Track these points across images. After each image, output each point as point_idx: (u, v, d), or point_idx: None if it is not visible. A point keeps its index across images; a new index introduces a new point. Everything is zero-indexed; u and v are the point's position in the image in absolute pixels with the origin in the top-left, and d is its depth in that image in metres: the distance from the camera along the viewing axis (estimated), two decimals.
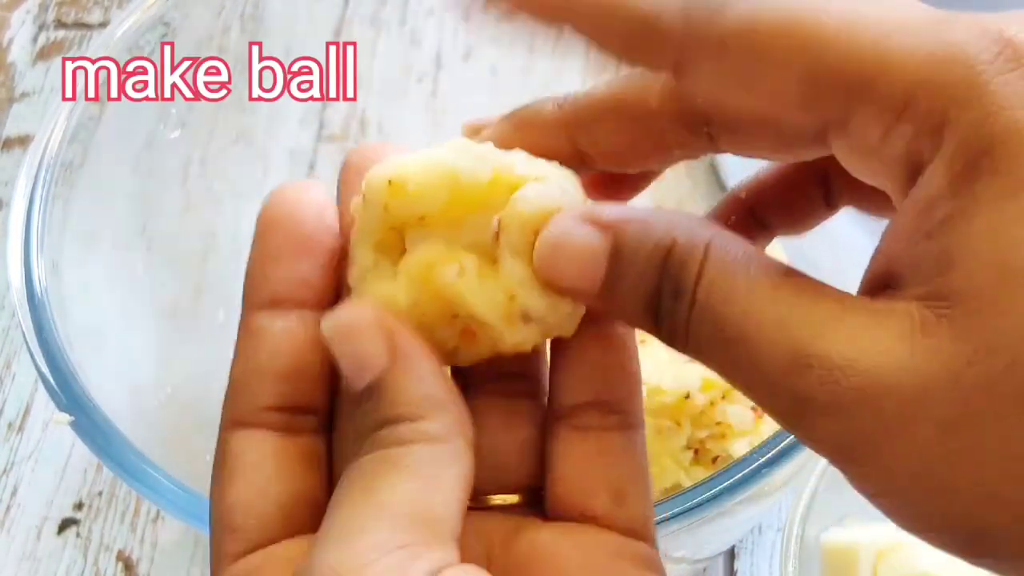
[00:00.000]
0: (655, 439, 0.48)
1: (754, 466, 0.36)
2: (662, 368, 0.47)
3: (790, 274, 0.22)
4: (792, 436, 0.37)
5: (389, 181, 0.24)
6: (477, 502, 0.25)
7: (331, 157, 0.59)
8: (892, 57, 0.20)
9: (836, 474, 0.45)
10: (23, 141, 0.64)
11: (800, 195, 0.27)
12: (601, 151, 0.25)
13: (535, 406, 0.26)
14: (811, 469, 0.45)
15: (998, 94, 0.19)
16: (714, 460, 0.49)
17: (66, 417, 0.38)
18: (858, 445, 0.20)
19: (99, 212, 0.47)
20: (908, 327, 0.19)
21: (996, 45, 0.19)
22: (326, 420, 0.26)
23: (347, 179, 0.27)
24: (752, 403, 0.49)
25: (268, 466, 0.24)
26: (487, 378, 0.26)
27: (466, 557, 0.23)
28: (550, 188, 0.24)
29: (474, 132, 0.27)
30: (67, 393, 0.39)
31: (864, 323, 0.20)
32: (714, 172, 0.56)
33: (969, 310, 0.19)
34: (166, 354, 0.49)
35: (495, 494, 0.26)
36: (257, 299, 0.25)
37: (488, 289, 0.24)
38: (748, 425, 0.48)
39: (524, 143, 0.25)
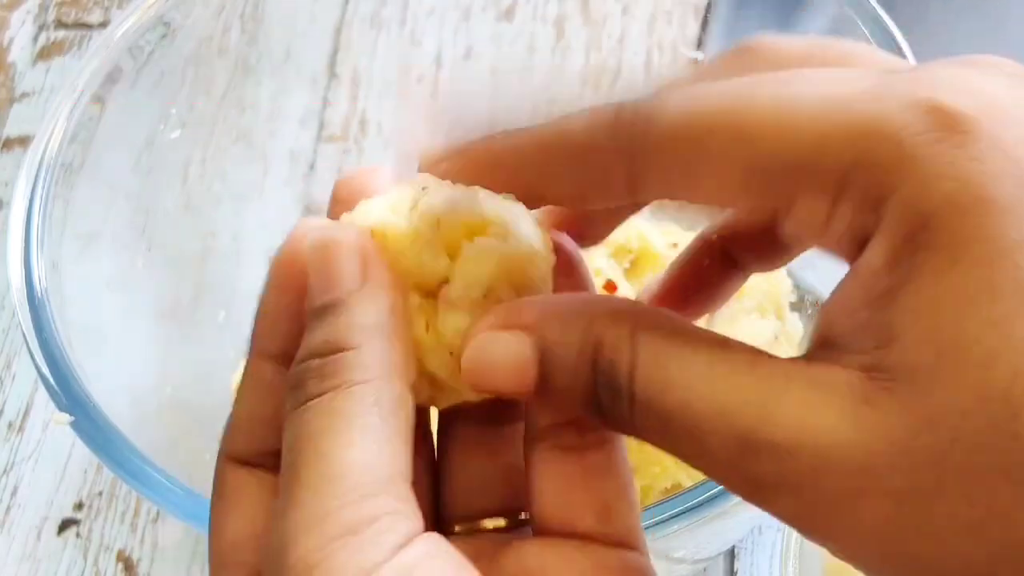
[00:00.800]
0: None
1: None
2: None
3: (724, 347, 0.21)
4: None
5: (371, 232, 0.24)
6: (465, 528, 0.26)
7: (331, 157, 0.59)
8: (825, 140, 0.20)
9: None
10: (23, 141, 0.64)
11: (772, 235, 0.27)
12: (553, 192, 0.24)
13: (515, 430, 0.26)
14: None
15: (931, 167, 0.19)
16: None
17: (66, 417, 0.38)
18: (814, 519, 0.20)
19: (99, 212, 0.47)
20: (851, 400, 0.20)
21: (927, 115, 0.19)
22: None
23: (336, 214, 0.26)
24: None
25: (265, 503, 0.24)
26: (466, 406, 0.26)
27: None
28: (493, 242, 0.24)
29: (431, 164, 0.26)
30: (67, 393, 0.39)
31: (806, 399, 0.20)
32: None
33: (911, 385, 0.19)
34: (166, 354, 0.49)
35: (480, 519, 0.26)
36: (265, 349, 0.26)
37: (437, 347, 0.24)
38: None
39: (479, 180, 0.25)
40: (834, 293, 0.21)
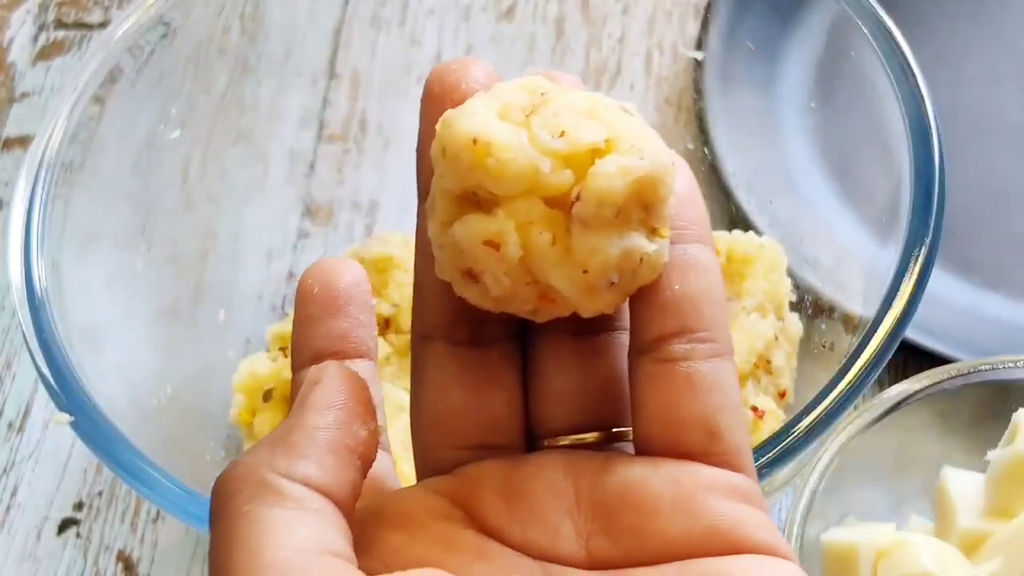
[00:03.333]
0: None
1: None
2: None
3: None
4: (792, 436, 0.37)
5: (474, 140, 0.23)
6: (554, 442, 0.25)
7: (331, 157, 0.59)
8: None
9: (837, 474, 0.45)
10: (23, 141, 0.64)
11: None
12: None
13: (610, 341, 0.25)
14: (811, 469, 0.45)
15: None
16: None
17: (66, 417, 0.38)
18: None
19: (99, 212, 0.47)
20: None
21: None
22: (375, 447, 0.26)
23: (429, 110, 0.26)
24: (752, 403, 0.49)
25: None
26: (555, 320, 0.25)
27: (552, 494, 0.23)
28: (628, 160, 0.23)
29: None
30: (67, 393, 0.39)
31: None
32: (714, 172, 0.56)
33: None
34: (166, 354, 0.49)
35: (573, 433, 0.25)
36: (300, 361, 0.26)
37: (565, 262, 0.23)
38: (748, 425, 0.48)
39: None
40: None
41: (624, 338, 0.25)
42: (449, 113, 0.24)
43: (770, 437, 0.37)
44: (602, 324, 0.26)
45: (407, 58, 0.58)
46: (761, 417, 0.48)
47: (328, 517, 0.22)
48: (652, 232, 0.24)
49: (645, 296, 0.24)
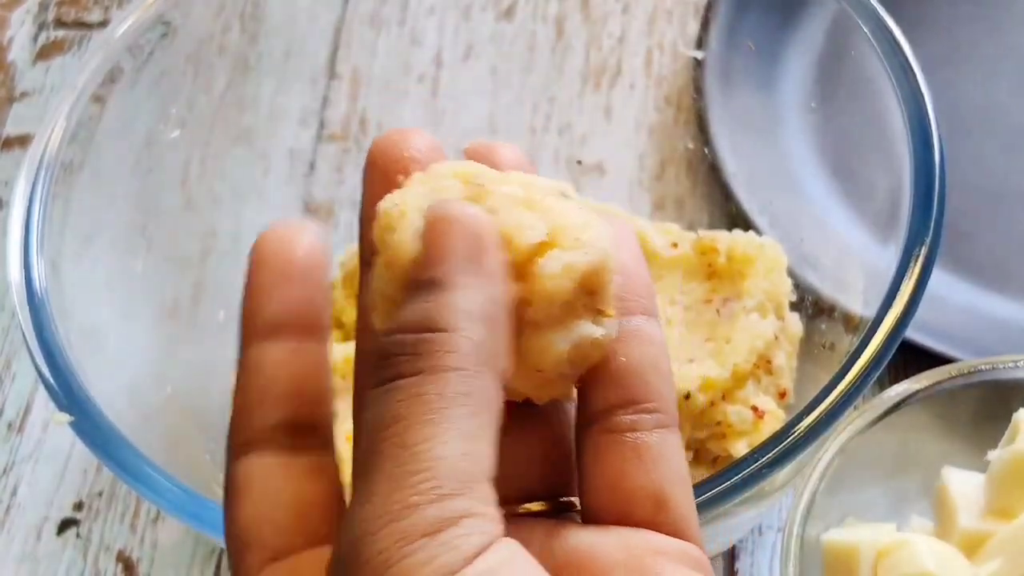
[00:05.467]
0: None
1: (754, 467, 0.36)
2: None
3: None
4: (792, 437, 0.37)
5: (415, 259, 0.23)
6: (505, 511, 0.25)
7: (331, 157, 0.59)
8: None
9: (837, 474, 0.45)
10: (23, 141, 0.64)
11: None
12: None
13: (556, 409, 0.26)
14: (812, 469, 0.45)
15: None
16: (714, 461, 0.49)
17: (66, 417, 0.38)
18: None
19: (99, 212, 0.47)
20: None
21: None
22: (330, 437, 0.25)
23: (372, 179, 0.26)
24: (752, 403, 0.49)
25: (276, 480, 0.24)
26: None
27: None
28: (572, 256, 0.23)
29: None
30: (67, 393, 0.39)
31: None
32: (714, 172, 0.56)
33: None
34: (166, 354, 0.49)
35: (519, 503, 0.25)
36: (253, 331, 0.25)
37: (518, 364, 0.23)
38: (748, 425, 0.48)
39: None
40: None
41: (569, 407, 0.25)
42: (387, 212, 0.24)
43: (770, 437, 0.37)
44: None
45: (407, 58, 0.58)
46: (761, 417, 0.48)
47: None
48: (598, 314, 0.24)
49: (591, 369, 0.25)
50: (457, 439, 0.20)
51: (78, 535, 0.53)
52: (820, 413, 0.37)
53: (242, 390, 0.25)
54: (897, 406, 0.46)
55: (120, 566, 0.52)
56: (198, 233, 0.53)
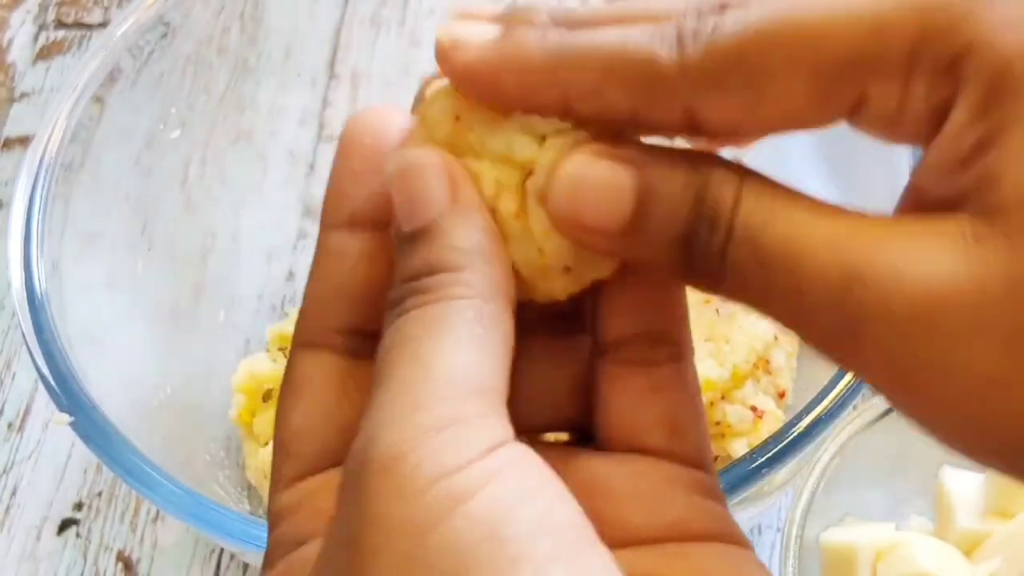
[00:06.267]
0: None
1: (754, 466, 0.36)
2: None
3: (827, 204, 0.21)
4: (791, 437, 0.37)
5: (456, 117, 0.23)
6: (527, 440, 0.25)
7: (331, 157, 0.59)
8: (885, 21, 0.20)
9: (836, 474, 0.45)
10: (23, 141, 0.64)
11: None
12: (596, 114, 0.23)
13: (582, 342, 0.25)
14: (811, 469, 0.45)
15: (999, 18, 0.19)
16: (713, 460, 0.49)
17: (66, 417, 0.38)
18: (913, 362, 0.19)
19: (99, 212, 0.47)
20: (960, 239, 0.19)
21: None
22: None
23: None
24: (752, 403, 0.49)
25: (332, 390, 0.24)
26: (531, 317, 0.25)
27: None
28: (580, 134, 0.23)
29: (452, 47, 0.23)
30: (67, 393, 0.39)
31: (915, 236, 0.19)
32: None
33: (1021, 219, 0.19)
34: (166, 354, 0.49)
35: (544, 431, 0.25)
36: (335, 218, 0.25)
37: (524, 238, 0.23)
38: (747, 425, 0.48)
39: (509, 85, 0.23)
40: (918, 169, 0.21)
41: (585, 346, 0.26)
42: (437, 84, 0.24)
43: (770, 437, 0.37)
44: (574, 326, 0.26)
45: (407, 58, 0.58)
46: (761, 417, 0.48)
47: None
48: None
49: (605, 297, 0.25)
50: (468, 352, 0.21)
51: (78, 535, 0.53)
52: (819, 413, 0.37)
53: (316, 280, 0.25)
54: None
55: (120, 566, 0.52)
56: (198, 233, 0.53)
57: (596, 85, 0.22)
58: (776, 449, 0.37)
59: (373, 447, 0.20)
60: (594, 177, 0.22)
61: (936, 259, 0.19)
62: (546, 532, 0.19)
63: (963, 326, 0.19)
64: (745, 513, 0.45)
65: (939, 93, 0.20)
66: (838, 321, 0.20)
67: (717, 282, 0.21)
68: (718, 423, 0.48)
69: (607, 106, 0.22)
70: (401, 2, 0.59)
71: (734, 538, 0.24)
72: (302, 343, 0.24)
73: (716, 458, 0.49)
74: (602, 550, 0.20)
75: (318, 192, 0.58)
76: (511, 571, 0.18)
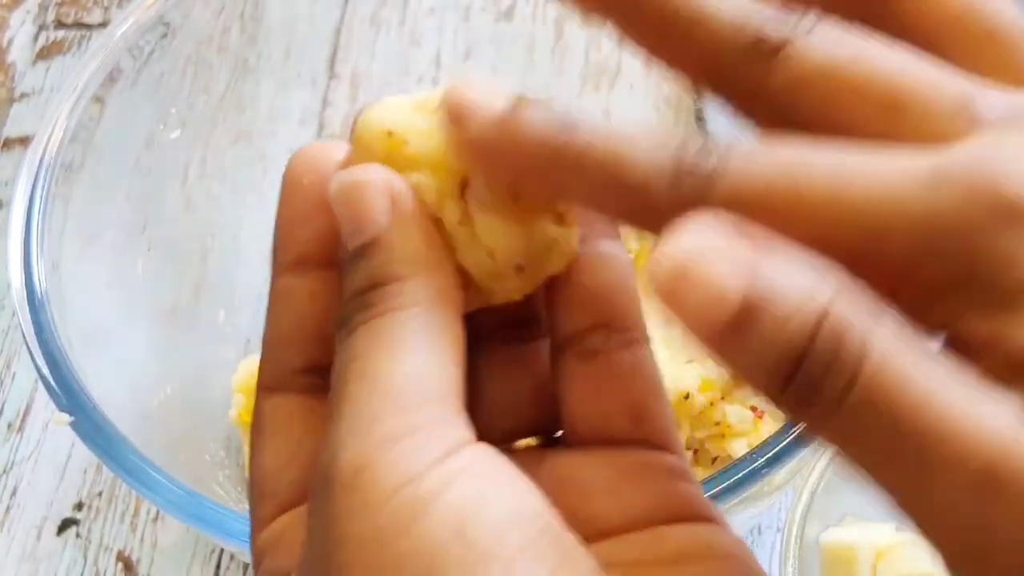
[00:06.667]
0: None
1: (753, 466, 0.36)
2: (660, 368, 0.47)
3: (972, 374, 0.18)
4: (791, 436, 0.37)
5: (388, 133, 0.23)
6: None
7: None
8: (884, 234, 0.18)
9: (835, 474, 0.45)
10: (23, 141, 0.64)
11: None
12: (591, 210, 0.23)
13: (541, 346, 0.26)
14: (811, 469, 0.45)
15: (996, 258, 0.18)
16: (713, 460, 0.49)
17: (66, 417, 0.38)
18: None
19: (99, 212, 0.47)
20: None
21: (988, 208, 0.18)
22: None
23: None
24: (752, 403, 0.49)
25: (297, 428, 0.24)
26: (488, 328, 0.25)
27: None
28: None
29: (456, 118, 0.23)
30: (67, 393, 0.39)
31: None
32: None
33: None
34: (166, 354, 0.49)
35: (513, 439, 0.25)
36: (284, 260, 0.25)
37: (472, 244, 0.23)
38: (748, 425, 0.48)
39: (502, 166, 0.23)
40: None
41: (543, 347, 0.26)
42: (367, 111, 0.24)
43: (770, 437, 0.37)
44: (532, 331, 0.26)
45: (407, 58, 0.58)
46: (760, 417, 0.48)
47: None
48: (559, 219, 0.24)
49: (558, 293, 0.25)
50: (417, 361, 0.21)
51: (78, 535, 0.53)
52: None
53: (271, 326, 0.25)
54: None
55: (120, 566, 0.52)
56: (198, 233, 0.53)
57: (586, 194, 0.21)
58: (776, 449, 0.37)
59: (334, 465, 0.20)
60: (699, 273, 0.18)
61: None
62: (513, 526, 0.19)
63: None
64: (745, 513, 0.45)
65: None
66: (968, 527, 0.17)
67: (827, 428, 0.19)
68: (718, 423, 0.48)
69: (593, 209, 0.22)
70: (401, 2, 0.59)
71: (707, 516, 0.24)
72: (265, 387, 0.25)
73: (716, 459, 0.49)
74: (570, 539, 0.20)
75: None
76: (482, 569, 0.19)
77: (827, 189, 0.19)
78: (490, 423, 0.24)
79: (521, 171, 0.22)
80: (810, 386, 0.18)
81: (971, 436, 0.17)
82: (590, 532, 0.22)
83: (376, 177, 0.23)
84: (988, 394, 0.17)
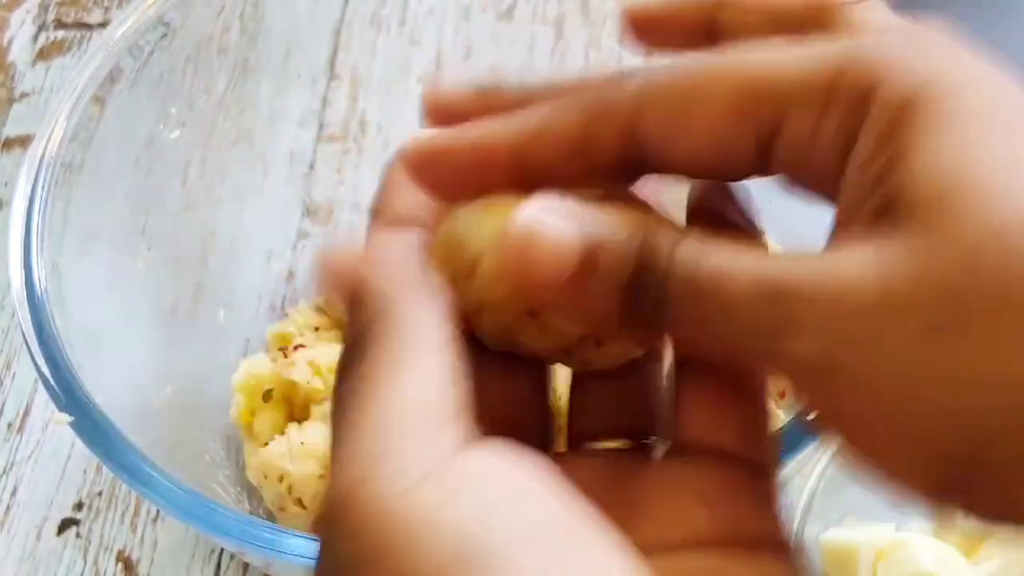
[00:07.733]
0: None
1: None
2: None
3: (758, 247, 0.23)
4: (791, 436, 0.37)
5: (474, 256, 0.24)
6: (581, 450, 0.26)
7: (331, 157, 0.59)
8: (807, 58, 0.22)
9: (835, 474, 0.45)
10: (23, 141, 0.64)
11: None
12: (545, 145, 0.25)
13: (644, 364, 0.26)
14: (811, 469, 0.45)
15: (905, 63, 0.21)
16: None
17: (66, 417, 0.38)
18: (827, 368, 0.20)
19: (99, 212, 0.47)
20: (870, 252, 0.20)
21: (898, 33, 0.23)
22: None
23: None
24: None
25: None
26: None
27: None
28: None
29: (439, 113, 0.28)
30: (67, 393, 0.39)
31: (828, 256, 0.21)
32: None
33: (919, 225, 0.20)
34: (166, 354, 0.49)
35: (604, 439, 0.26)
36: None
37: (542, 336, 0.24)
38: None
39: (468, 166, 0.26)
40: (837, 207, 0.23)
41: (656, 365, 0.26)
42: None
43: None
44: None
45: (407, 58, 0.58)
46: None
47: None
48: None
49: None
50: (415, 381, 0.21)
51: (78, 535, 0.53)
52: None
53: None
54: None
55: (120, 566, 0.52)
56: (198, 233, 0.53)
57: (554, 109, 0.25)
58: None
59: (331, 493, 0.20)
60: (541, 231, 0.22)
61: (844, 266, 0.20)
62: (529, 536, 0.19)
63: (869, 331, 0.20)
64: None
65: (849, 124, 0.22)
66: (761, 334, 0.21)
67: (658, 324, 0.22)
68: None
69: (561, 127, 0.25)
70: (401, 2, 0.59)
71: (783, 548, 0.24)
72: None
73: None
74: (601, 537, 0.20)
75: (318, 192, 0.58)
76: None
77: (757, 56, 0.23)
78: (589, 423, 0.26)
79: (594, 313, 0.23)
80: (648, 301, 0.22)
81: (752, 272, 0.21)
82: (674, 540, 0.23)
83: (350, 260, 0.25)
84: (763, 252, 0.22)
